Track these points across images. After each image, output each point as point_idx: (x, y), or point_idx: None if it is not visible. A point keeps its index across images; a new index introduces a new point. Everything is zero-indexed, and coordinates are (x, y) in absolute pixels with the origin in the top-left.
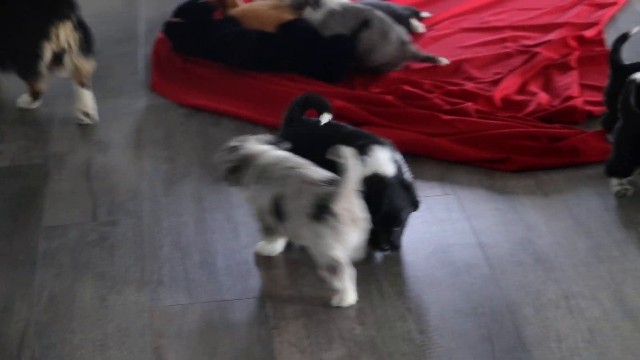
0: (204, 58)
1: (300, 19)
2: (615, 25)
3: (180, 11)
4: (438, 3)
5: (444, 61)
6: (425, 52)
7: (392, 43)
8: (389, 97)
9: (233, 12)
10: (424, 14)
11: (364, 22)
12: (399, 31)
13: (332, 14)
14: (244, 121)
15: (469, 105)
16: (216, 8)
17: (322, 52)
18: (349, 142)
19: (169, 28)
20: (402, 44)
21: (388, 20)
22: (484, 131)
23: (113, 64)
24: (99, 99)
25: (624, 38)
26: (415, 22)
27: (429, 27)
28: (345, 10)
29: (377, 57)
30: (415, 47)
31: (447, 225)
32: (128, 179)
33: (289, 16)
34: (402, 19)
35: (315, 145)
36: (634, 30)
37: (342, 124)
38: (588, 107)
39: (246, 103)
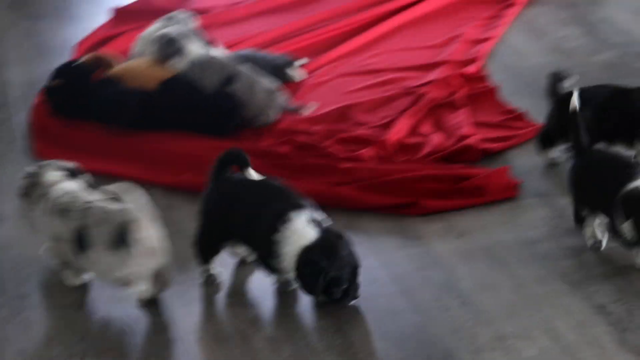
0: (87, 120)
1: (180, 75)
2: (495, 60)
3: (58, 74)
4: (313, 49)
5: (310, 109)
6: (293, 103)
7: (260, 94)
8: (285, 149)
9: (112, 72)
10: (302, 61)
11: (229, 78)
12: (266, 82)
13: (195, 64)
14: (138, 182)
15: (366, 151)
16: (95, 69)
17: (207, 106)
18: (269, 205)
19: (49, 92)
20: (270, 93)
21: (254, 73)
22: (386, 177)
23: None
24: None
25: (561, 77)
26: (291, 71)
27: (309, 74)
28: (209, 63)
29: (246, 110)
30: (284, 97)
31: (365, 275)
32: (30, 250)
33: (168, 73)
34: (278, 69)
35: (245, 204)
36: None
37: (269, 180)
38: (484, 145)
39: (135, 163)
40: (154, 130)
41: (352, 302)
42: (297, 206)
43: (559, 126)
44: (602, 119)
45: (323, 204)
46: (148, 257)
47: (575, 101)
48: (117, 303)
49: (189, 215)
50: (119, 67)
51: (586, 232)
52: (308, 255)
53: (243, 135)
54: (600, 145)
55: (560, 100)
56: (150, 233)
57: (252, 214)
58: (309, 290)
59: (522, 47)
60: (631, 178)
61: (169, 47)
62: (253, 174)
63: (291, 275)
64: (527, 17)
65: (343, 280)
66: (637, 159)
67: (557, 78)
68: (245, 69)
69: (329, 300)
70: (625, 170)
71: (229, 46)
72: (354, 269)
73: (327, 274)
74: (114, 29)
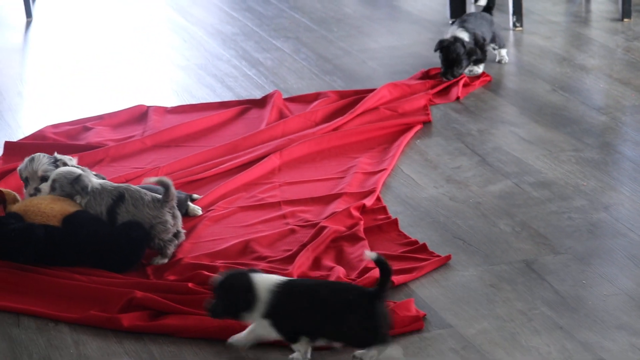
0: None
1: (83, 210)
2: (391, 191)
3: None
4: (207, 183)
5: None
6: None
7: (147, 205)
8: (190, 284)
9: (14, 208)
10: (195, 196)
11: (119, 197)
12: (154, 195)
13: (94, 193)
14: (45, 319)
15: None
16: None
17: (110, 242)
18: None
19: None
20: (157, 202)
21: (143, 190)
22: None
23: None
24: None
25: None
26: (192, 205)
27: (205, 209)
28: (103, 189)
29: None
30: (172, 206)
31: None
32: None
33: (71, 208)
34: (180, 203)
35: None
36: None
37: None
38: None
39: (42, 300)
40: (59, 266)
41: None
42: None
43: None
44: None
45: (227, 340)
46: None
47: None
48: None
49: (98, 351)
50: (22, 203)
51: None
52: None
53: (146, 272)
54: None
55: None
56: None
57: None
58: None
59: (417, 178)
60: None
61: (76, 185)
62: None
63: None
64: (419, 148)
65: None
66: None
67: None
68: (136, 187)
69: None
70: None
71: (124, 182)
72: None
73: None
74: (7, 165)
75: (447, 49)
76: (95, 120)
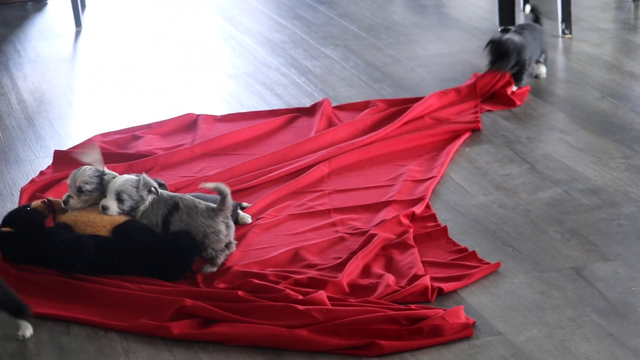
0: (40, 266)
1: (133, 220)
2: (440, 199)
3: (9, 221)
4: (256, 191)
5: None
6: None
7: (202, 213)
8: (240, 292)
9: (64, 218)
10: (245, 204)
11: (174, 206)
12: (208, 204)
13: (151, 203)
14: (95, 327)
15: (321, 293)
16: (46, 215)
17: (161, 250)
18: None
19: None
20: (211, 211)
21: (197, 199)
22: (342, 318)
23: None
24: None
25: None
26: (242, 214)
27: (255, 217)
28: (159, 197)
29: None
30: (227, 216)
31: None
32: None
33: (121, 218)
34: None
35: None
36: None
37: None
38: (437, 284)
39: (92, 308)
40: (110, 276)
41: None
42: None
43: None
44: None
45: (279, 347)
46: None
47: None
48: None
49: (148, 359)
50: (71, 213)
51: None
52: None
53: (196, 280)
54: None
55: None
56: None
57: None
58: None
59: (466, 185)
60: None
61: (145, 188)
62: None
63: None
64: (469, 156)
65: None
66: None
67: None
68: (190, 196)
69: None
70: None
71: (174, 190)
72: None
73: None
74: (56, 173)
75: (498, 43)
76: (145, 129)
